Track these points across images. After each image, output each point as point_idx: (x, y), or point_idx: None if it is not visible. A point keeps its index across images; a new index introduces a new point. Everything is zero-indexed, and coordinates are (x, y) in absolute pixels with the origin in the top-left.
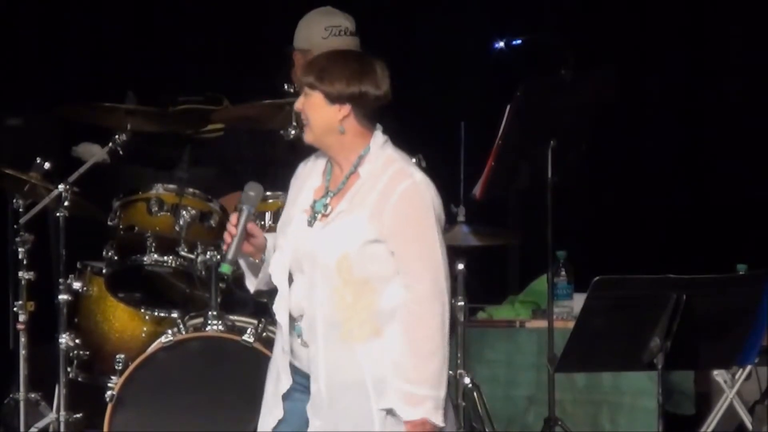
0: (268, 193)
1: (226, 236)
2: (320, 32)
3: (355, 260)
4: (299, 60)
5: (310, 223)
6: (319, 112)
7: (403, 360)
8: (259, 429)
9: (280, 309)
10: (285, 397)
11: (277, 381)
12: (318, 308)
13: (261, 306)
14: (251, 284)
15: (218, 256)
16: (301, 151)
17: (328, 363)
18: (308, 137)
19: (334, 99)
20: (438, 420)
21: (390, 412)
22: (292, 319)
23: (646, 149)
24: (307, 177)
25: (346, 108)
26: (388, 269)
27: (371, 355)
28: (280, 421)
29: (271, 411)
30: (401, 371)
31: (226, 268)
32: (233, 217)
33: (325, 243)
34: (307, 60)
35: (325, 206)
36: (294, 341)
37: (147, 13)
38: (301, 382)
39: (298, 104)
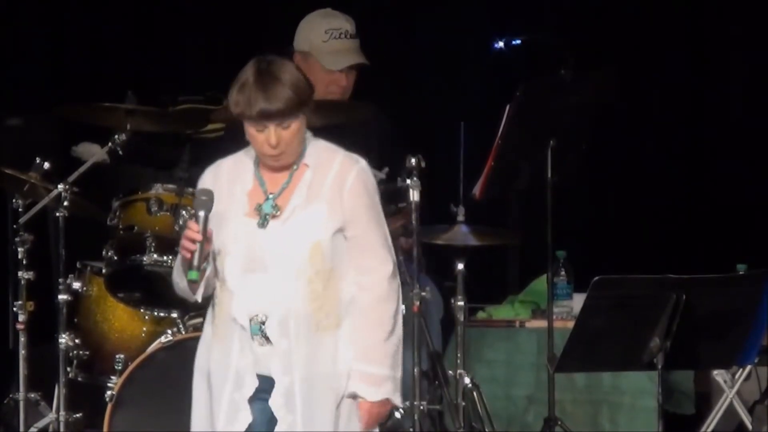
0: None
1: (188, 244)
2: (320, 35)
3: (326, 248)
4: (299, 62)
5: (262, 225)
6: (300, 133)
7: (364, 342)
8: None
9: (240, 312)
10: (250, 400)
11: (237, 385)
12: (290, 302)
13: None
14: (198, 294)
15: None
16: None
17: (301, 356)
18: (285, 162)
19: (306, 112)
20: (398, 401)
21: (352, 397)
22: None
23: (646, 149)
24: (233, 182)
25: (306, 113)
26: (346, 257)
27: (337, 345)
28: (249, 425)
29: (236, 417)
30: (362, 353)
31: (194, 275)
32: (193, 225)
33: (291, 237)
34: (307, 64)
35: (275, 207)
36: (252, 343)
37: (147, 13)
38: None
39: (277, 139)
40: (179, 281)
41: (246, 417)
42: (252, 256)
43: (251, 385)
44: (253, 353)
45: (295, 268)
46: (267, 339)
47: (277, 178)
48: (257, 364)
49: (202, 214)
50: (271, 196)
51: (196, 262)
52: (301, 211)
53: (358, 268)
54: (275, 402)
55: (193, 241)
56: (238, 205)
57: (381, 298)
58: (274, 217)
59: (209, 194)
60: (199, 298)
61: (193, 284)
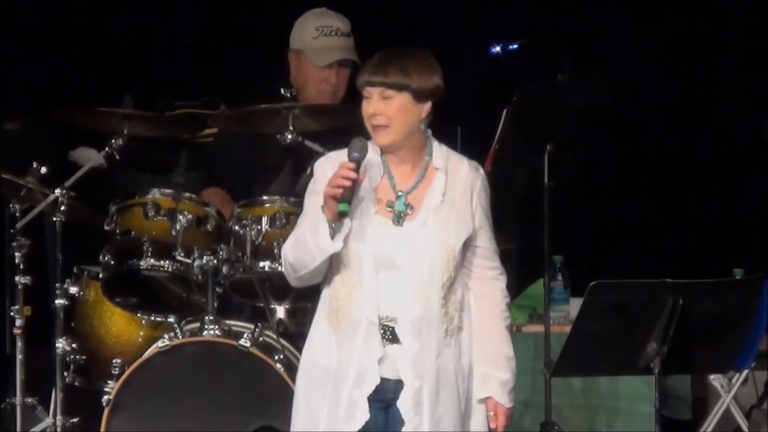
0: (264, 198)
1: (342, 181)
2: (311, 32)
3: (458, 256)
4: (293, 60)
5: (398, 223)
6: (405, 114)
7: (496, 350)
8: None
9: (371, 309)
10: (372, 402)
11: (357, 382)
12: (422, 306)
13: (257, 310)
14: (338, 242)
15: (223, 257)
16: (295, 155)
17: (431, 360)
18: (386, 139)
19: (420, 97)
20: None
21: (482, 401)
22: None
23: (642, 154)
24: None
25: (429, 105)
26: (463, 265)
27: (459, 349)
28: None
29: (353, 414)
30: (496, 361)
31: (346, 207)
32: (348, 164)
33: (429, 240)
34: (299, 62)
35: (407, 205)
36: (382, 341)
37: (144, 17)
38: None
39: (375, 109)
40: (311, 239)
41: (363, 415)
42: (385, 254)
43: (372, 383)
44: (381, 352)
45: (430, 271)
46: (397, 340)
47: (406, 175)
48: (383, 365)
49: (355, 156)
50: (401, 193)
51: (348, 197)
52: (436, 214)
53: (481, 278)
54: (404, 404)
55: (348, 179)
56: (368, 202)
57: (506, 307)
58: (407, 216)
59: (364, 141)
60: (336, 246)
61: (343, 216)
